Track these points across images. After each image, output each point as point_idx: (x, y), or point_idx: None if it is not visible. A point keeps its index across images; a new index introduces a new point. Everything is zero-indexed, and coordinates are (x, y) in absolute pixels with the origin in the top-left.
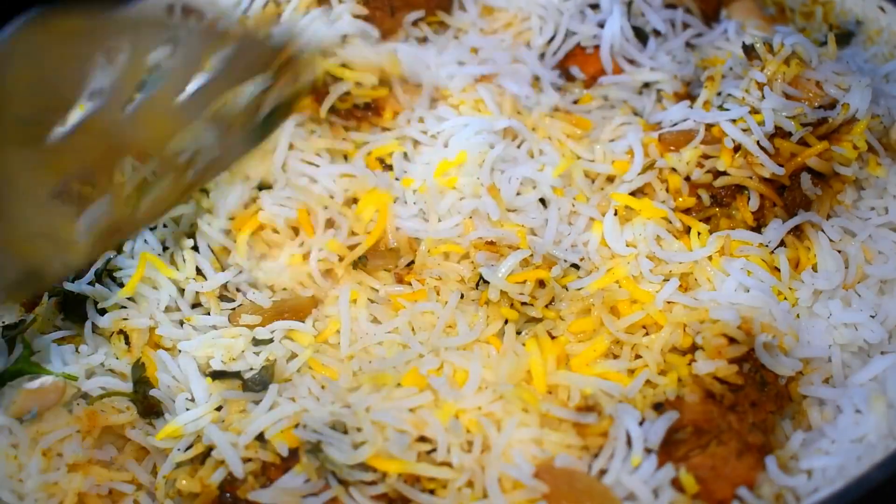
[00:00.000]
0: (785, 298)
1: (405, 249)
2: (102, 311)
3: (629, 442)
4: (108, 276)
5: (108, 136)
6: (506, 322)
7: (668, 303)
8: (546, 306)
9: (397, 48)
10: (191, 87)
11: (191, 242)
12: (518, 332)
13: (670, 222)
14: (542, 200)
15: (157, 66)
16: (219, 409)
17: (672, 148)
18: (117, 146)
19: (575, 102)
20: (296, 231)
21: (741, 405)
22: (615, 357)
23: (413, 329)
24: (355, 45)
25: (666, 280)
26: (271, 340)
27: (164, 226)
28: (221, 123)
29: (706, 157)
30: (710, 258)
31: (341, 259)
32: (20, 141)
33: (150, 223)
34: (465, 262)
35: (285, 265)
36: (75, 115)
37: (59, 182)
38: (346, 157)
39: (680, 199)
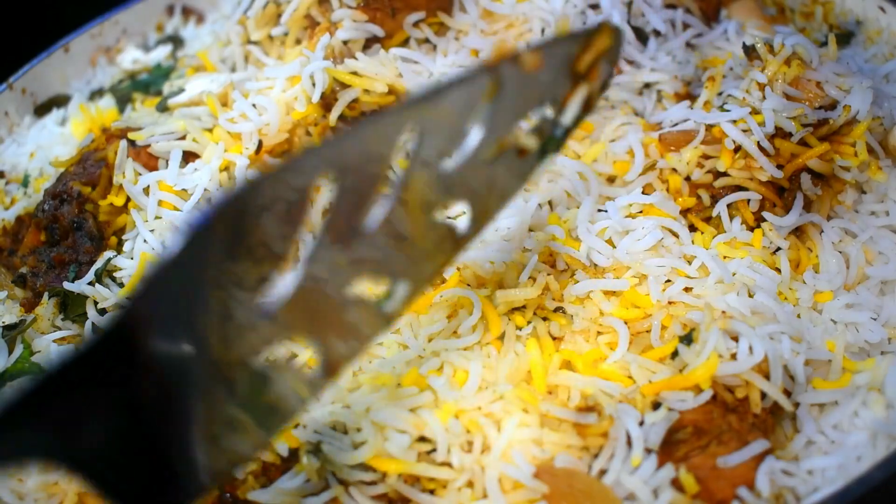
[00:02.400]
0: (786, 299)
1: None
2: (102, 311)
3: (629, 442)
4: (108, 276)
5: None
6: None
7: (672, 303)
8: (554, 311)
9: (397, 58)
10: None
11: None
12: (519, 329)
13: (676, 221)
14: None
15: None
16: None
17: (672, 148)
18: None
19: None
20: None
21: (741, 405)
22: None
23: (414, 331)
24: (360, 59)
25: (670, 281)
26: None
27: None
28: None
29: (706, 157)
30: (714, 259)
31: None
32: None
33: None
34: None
35: None
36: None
37: None
38: None
39: (680, 200)
